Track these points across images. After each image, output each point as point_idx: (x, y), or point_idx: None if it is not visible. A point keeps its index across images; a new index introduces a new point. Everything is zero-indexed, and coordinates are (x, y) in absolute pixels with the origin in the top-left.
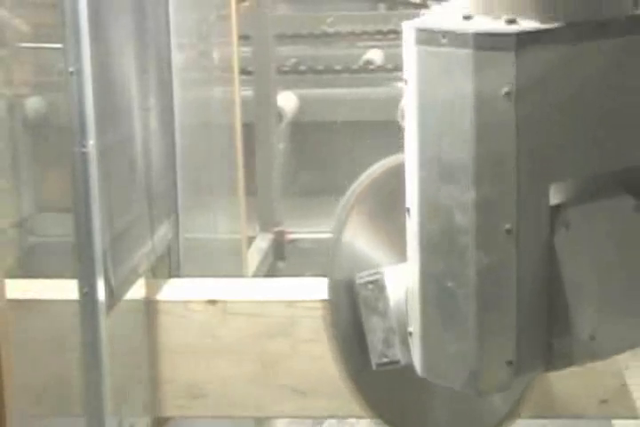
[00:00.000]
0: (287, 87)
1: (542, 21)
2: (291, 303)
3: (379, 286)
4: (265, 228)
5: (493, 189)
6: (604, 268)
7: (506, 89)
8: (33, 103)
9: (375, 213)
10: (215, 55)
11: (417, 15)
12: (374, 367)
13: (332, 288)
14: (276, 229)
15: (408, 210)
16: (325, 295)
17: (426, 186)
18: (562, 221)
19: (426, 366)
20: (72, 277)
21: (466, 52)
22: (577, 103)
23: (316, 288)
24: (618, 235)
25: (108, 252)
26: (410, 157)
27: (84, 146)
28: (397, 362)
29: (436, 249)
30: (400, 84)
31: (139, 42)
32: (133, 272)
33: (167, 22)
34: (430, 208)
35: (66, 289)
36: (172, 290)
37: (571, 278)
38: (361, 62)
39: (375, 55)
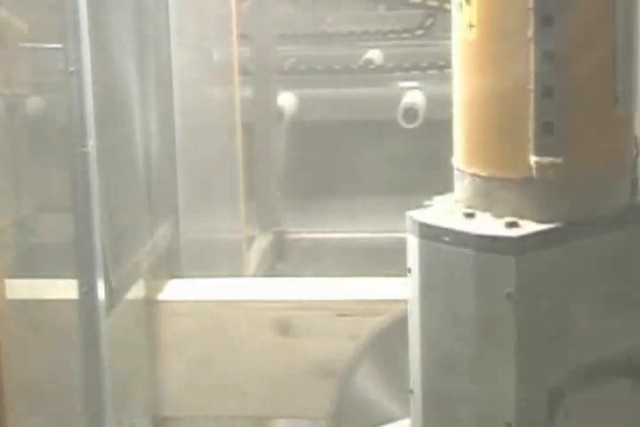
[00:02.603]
0: (287, 87)
1: (541, 221)
2: (296, 302)
3: None
4: (265, 228)
5: (494, 383)
6: None
7: (507, 290)
8: (33, 103)
9: (385, 363)
10: (215, 55)
11: (417, 15)
12: None
13: None
14: (276, 229)
15: (411, 391)
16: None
17: (428, 373)
18: (561, 409)
19: None
20: (72, 277)
21: (467, 253)
22: (578, 297)
23: (317, 288)
24: (615, 417)
25: (108, 252)
26: (413, 343)
27: (84, 146)
28: None
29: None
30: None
31: (139, 41)
32: (133, 272)
33: (167, 22)
34: (432, 395)
35: (66, 289)
36: (173, 290)
37: None
38: (361, 62)
39: (375, 55)
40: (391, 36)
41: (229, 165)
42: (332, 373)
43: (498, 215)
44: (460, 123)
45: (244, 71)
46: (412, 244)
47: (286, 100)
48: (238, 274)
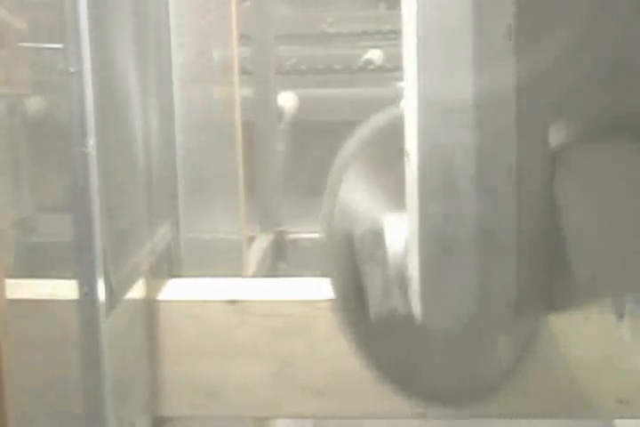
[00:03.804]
0: (287, 87)
1: None
2: (307, 303)
3: (377, 235)
4: (265, 228)
5: (494, 128)
6: (605, 210)
7: (507, 22)
8: (33, 103)
9: (371, 170)
10: (215, 55)
11: None
12: (373, 319)
13: (331, 243)
14: (276, 229)
15: (407, 154)
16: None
17: (426, 128)
18: (562, 162)
19: (425, 311)
20: (72, 277)
21: None
22: (581, 41)
23: (315, 288)
24: (619, 177)
25: (109, 252)
26: (409, 98)
27: (84, 146)
28: (396, 312)
29: (436, 191)
30: (400, 84)
31: (139, 41)
32: (134, 272)
33: (167, 21)
34: (430, 150)
35: (66, 289)
36: (173, 290)
37: (571, 220)
38: (361, 62)
39: (375, 55)
40: (391, 36)
41: (229, 165)
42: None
43: None
44: None
45: (244, 71)
46: None
47: (286, 100)
48: (238, 274)
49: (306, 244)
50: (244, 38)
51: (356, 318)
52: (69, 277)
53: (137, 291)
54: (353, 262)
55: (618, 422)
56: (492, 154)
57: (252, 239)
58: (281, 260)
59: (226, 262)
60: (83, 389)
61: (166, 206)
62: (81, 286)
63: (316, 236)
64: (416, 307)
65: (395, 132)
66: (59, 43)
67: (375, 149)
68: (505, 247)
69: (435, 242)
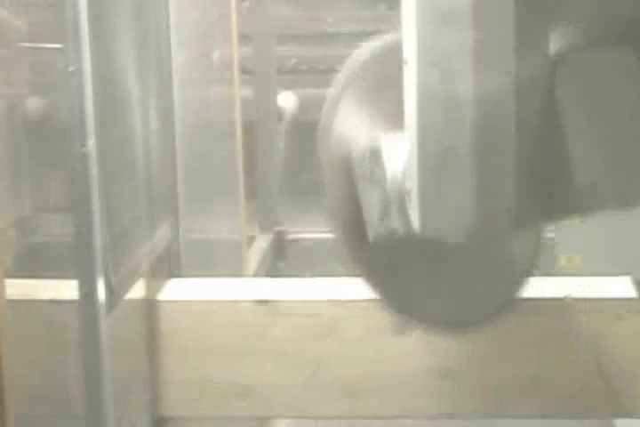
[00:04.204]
0: (287, 87)
1: None
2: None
3: (376, 154)
4: (265, 228)
5: (492, 30)
6: (606, 115)
7: None
8: (33, 103)
9: (368, 93)
10: (215, 55)
11: None
12: (371, 240)
13: (329, 165)
14: (276, 229)
15: (406, 61)
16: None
17: (424, 32)
18: (563, 66)
19: (425, 223)
20: (72, 277)
21: None
22: None
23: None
24: (619, 82)
25: (109, 252)
26: (407, 3)
27: (83, 145)
28: (395, 232)
29: (435, 97)
30: None
31: (139, 41)
32: (134, 272)
33: (167, 21)
34: (429, 55)
35: (66, 289)
36: (173, 290)
37: (572, 128)
38: None
39: None
40: None
41: (229, 165)
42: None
43: None
44: None
45: (245, 71)
46: None
47: (286, 100)
48: (238, 274)
49: (306, 244)
50: (244, 38)
51: (356, 241)
52: (69, 278)
53: (137, 291)
54: (351, 186)
55: (618, 422)
56: (490, 57)
57: (252, 239)
58: (281, 260)
59: (225, 263)
60: (83, 389)
61: (166, 206)
62: (81, 286)
63: (315, 236)
64: (415, 221)
65: (390, 55)
66: (58, 42)
67: (372, 72)
68: (504, 155)
69: (433, 152)
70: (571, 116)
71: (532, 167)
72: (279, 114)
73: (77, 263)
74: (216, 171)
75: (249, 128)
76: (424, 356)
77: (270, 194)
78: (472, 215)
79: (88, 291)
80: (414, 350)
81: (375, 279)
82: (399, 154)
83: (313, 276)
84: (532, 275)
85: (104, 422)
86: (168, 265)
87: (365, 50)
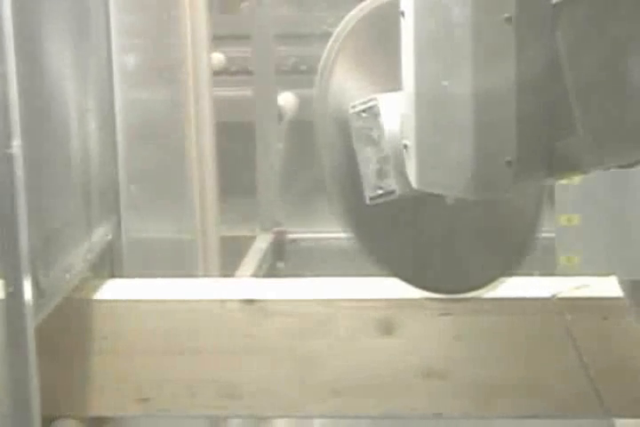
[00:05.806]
0: (287, 87)
1: None
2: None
3: (372, 113)
4: (265, 228)
5: None
6: (610, 67)
7: None
8: None
9: (366, 50)
10: (164, 56)
11: None
12: (368, 201)
13: (324, 125)
14: (276, 229)
15: (403, 13)
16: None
17: None
18: (565, 15)
19: (423, 177)
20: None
21: None
22: None
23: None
24: (625, 32)
25: (37, 252)
26: None
27: (8, 146)
28: (392, 193)
29: (433, 47)
30: None
31: (77, 42)
32: (68, 273)
33: (108, 22)
34: (426, 4)
35: None
36: (111, 290)
37: (574, 75)
38: None
39: None
40: None
41: (179, 165)
42: None
43: None
44: None
45: (245, 71)
46: None
47: (286, 100)
48: (191, 275)
49: (306, 244)
50: (244, 38)
51: (353, 204)
52: None
53: (71, 291)
54: (347, 145)
55: (618, 422)
56: (489, 4)
57: (251, 239)
58: (280, 260)
59: (176, 263)
60: (8, 390)
61: (106, 206)
62: (7, 286)
63: (315, 236)
64: (412, 174)
65: (388, 12)
66: None
67: (369, 29)
68: (504, 105)
69: (431, 102)
70: (575, 61)
71: (533, 118)
72: (279, 114)
73: (3, 264)
74: (162, 171)
75: (249, 128)
76: (413, 355)
77: (270, 194)
78: (471, 168)
79: (14, 291)
80: (403, 350)
81: (372, 243)
82: (397, 112)
83: (313, 276)
84: (537, 238)
85: (32, 421)
86: (109, 265)
87: (363, 8)
